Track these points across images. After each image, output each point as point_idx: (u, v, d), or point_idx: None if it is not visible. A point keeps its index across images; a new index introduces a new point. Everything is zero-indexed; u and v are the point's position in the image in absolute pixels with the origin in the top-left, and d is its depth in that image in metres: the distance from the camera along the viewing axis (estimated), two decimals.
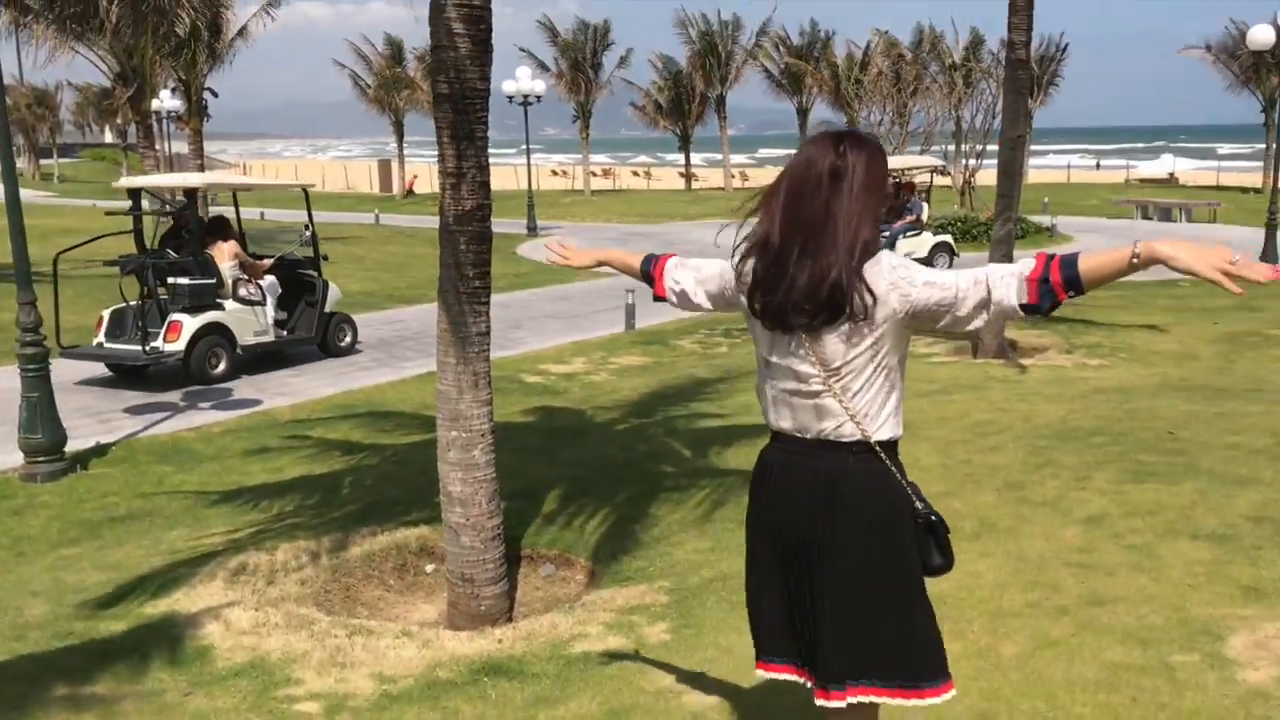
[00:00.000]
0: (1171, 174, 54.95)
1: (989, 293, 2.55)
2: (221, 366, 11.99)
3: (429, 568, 6.15)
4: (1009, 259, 11.99)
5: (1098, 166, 69.75)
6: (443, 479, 5.44)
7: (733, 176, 53.76)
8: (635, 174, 67.84)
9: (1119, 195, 39.16)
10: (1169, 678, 3.96)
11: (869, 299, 2.55)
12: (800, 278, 2.58)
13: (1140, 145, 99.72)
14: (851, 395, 2.64)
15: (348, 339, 13.63)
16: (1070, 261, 2.47)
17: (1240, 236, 25.47)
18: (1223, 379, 10.17)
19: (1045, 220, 28.24)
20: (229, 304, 12.14)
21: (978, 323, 2.60)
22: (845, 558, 2.66)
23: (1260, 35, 20.12)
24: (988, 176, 35.35)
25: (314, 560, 6.01)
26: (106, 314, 12.09)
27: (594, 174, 56.69)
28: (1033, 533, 5.57)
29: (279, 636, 5.01)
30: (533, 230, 31.85)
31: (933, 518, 2.72)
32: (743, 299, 2.77)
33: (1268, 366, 10.89)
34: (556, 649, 4.72)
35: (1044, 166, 60.93)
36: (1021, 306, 2.52)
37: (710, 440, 8.02)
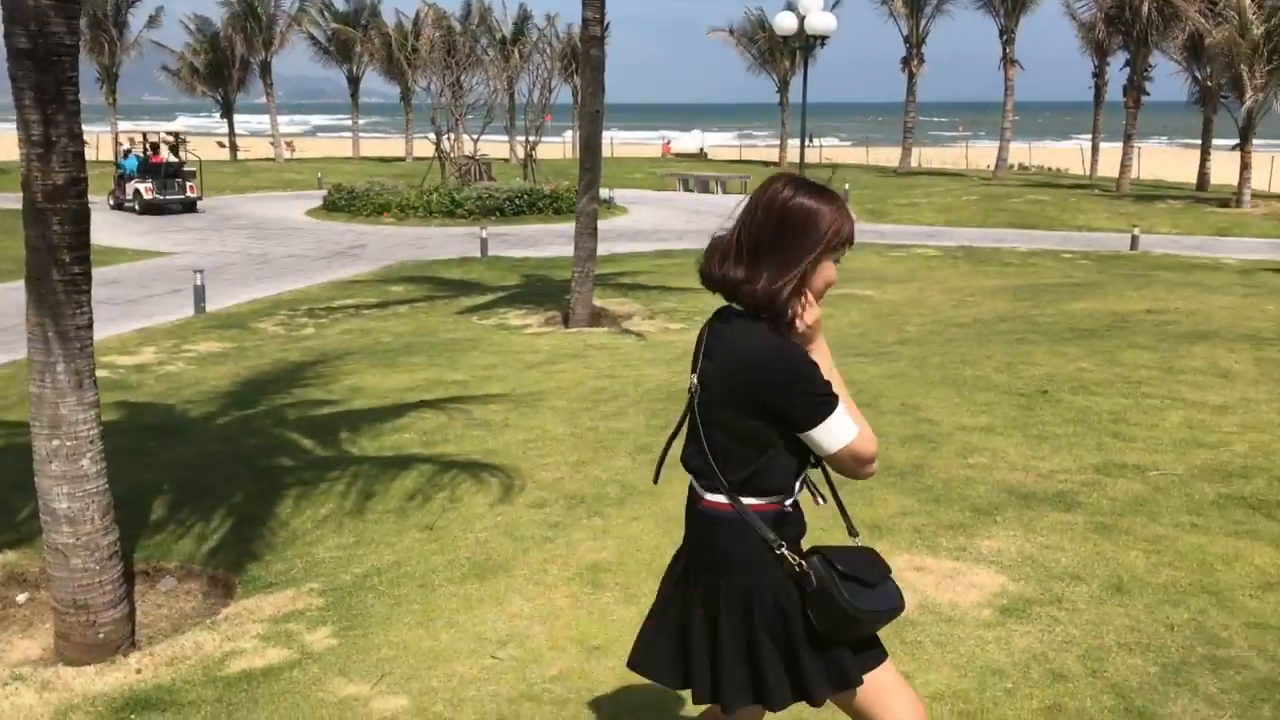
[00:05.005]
0: (701, 149, 59.68)
1: None
2: None
3: (20, 597, 5.33)
4: (593, 232, 12.44)
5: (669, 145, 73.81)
6: (44, 495, 4.72)
7: (283, 147, 51.23)
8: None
9: (662, 169, 41.81)
10: None
11: None
12: None
13: (674, 121, 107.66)
14: None
15: None
16: None
17: None
18: None
19: (604, 194, 29.60)
20: None
21: None
22: None
23: (784, 21, 22.19)
24: (546, 150, 36.51)
25: None
26: None
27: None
28: (673, 492, 5.78)
29: None
30: None
31: None
32: None
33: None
34: (210, 671, 4.25)
35: None
36: None
37: (329, 428, 7.59)
